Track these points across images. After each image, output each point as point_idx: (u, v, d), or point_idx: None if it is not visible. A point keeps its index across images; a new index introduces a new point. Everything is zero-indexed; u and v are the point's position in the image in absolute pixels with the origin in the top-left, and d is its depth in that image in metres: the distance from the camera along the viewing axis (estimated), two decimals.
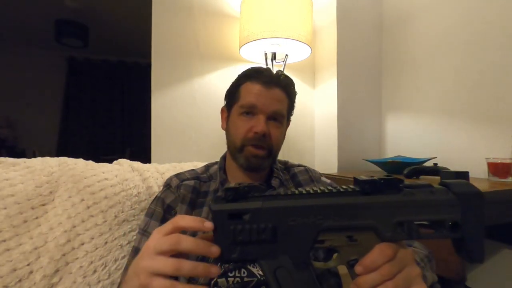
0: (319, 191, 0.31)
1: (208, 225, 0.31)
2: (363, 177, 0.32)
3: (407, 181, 0.34)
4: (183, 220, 0.33)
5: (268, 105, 0.62)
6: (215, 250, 0.30)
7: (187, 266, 0.31)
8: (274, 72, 0.66)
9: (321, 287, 0.31)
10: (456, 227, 0.30)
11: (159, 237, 0.33)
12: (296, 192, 0.32)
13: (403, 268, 0.31)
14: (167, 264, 0.31)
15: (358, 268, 0.30)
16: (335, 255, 0.33)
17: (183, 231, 0.33)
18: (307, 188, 0.32)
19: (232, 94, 0.67)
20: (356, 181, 0.33)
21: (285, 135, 0.69)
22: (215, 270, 0.31)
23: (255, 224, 0.30)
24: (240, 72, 0.69)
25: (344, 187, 0.32)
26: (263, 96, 0.62)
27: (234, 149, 0.64)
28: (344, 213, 0.30)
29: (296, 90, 0.70)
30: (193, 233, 0.40)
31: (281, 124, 0.65)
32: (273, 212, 0.30)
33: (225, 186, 0.31)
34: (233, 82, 0.69)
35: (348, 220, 0.30)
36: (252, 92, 0.62)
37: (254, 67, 0.67)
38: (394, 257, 0.30)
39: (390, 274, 0.30)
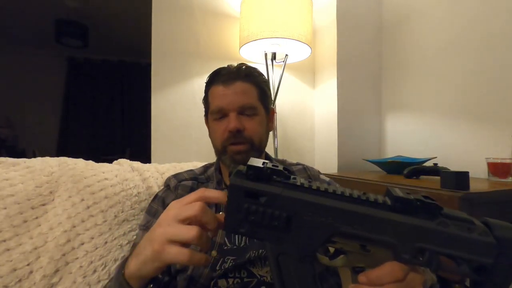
0: (346, 193, 0.30)
1: (221, 195, 0.32)
2: (398, 192, 0.30)
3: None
4: (208, 191, 0.34)
5: (234, 101, 0.62)
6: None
7: (205, 237, 0.32)
8: (235, 65, 0.66)
9: (321, 286, 0.31)
10: (483, 271, 0.27)
11: (181, 206, 0.33)
12: (321, 188, 0.30)
13: None
14: (188, 230, 0.31)
15: (362, 278, 0.29)
16: (342, 256, 0.31)
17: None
18: (332, 186, 0.31)
19: (205, 102, 0.68)
20: (389, 194, 0.30)
21: (268, 123, 0.68)
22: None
23: (270, 209, 0.29)
24: None
25: (373, 196, 0.30)
26: (226, 95, 0.62)
27: (218, 153, 0.65)
28: (366, 224, 0.28)
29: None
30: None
31: (255, 115, 0.64)
32: (291, 202, 0.29)
33: (250, 162, 0.30)
34: (204, 89, 0.69)
35: (368, 231, 0.28)
36: (217, 95, 0.63)
37: (215, 70, 0.67)
38: (403, 280, 0.28)
39: None
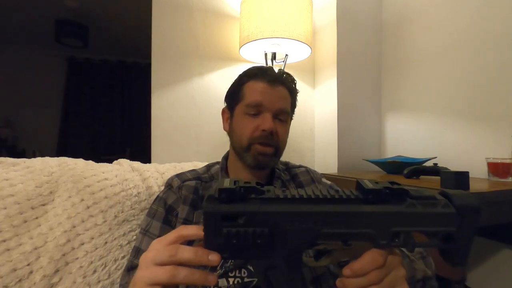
0: (320, 195, 0.30)
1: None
2: (367, 183, 0.31)
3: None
4: (186, 229, 0.33)
5: (274, 103, 0.62)
6: (214, 258, 0.29)
7: (183, 273, 0.30)
8: (276, 71, 0.66)
9: (321, 286, 0.32)
10: (449, 239, 0.31)
11: (159, 248, 0.32)
12: (296, 195, 0.30)
13: (390, 272, 0.32)
14: (162, 272, 0.30)
15: (346, 271, 0.30)
16: (326, 255, 0.33)
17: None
18: (307, 191, 0.31)
19: (235, 94, 0.66)
20: (359, 187, 0.32)
21: (288, 134, 0.69)
22: (212, 278, 0.30)
23: (251, 228, 0.28)
24: (240, 72, 0.69)
25: (346, 192, 0.31)
26: (269, 94, 0.62)
27: (241, 149, 0.63)
28: (344, 221, 0.29)
29: (297, 89, 0.70)
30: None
31: (286, 122, 0.65)
32: (270, 216, 0.29)
33: (219, 185, 0.29)
34: (234, 82, 0.68)
35: (347, 228, 0.30)
36: (258, 90, 0.62)
37: (256, 66, 0.67)
38: (384, 265, 0.31)
39: (377, 280, 0.31)
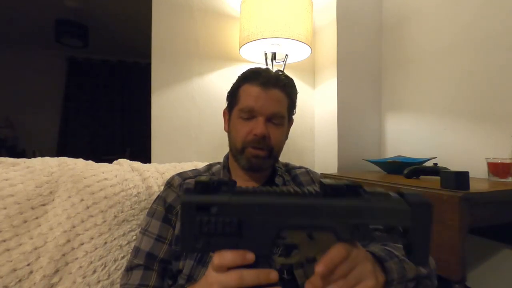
0: (286, 191, 0.33)
1: (250, 257, 0.32)
2: (327, 180, 0.34)
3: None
4: (225, 257, 0.32)
5: (267, 107, 0.62)
6: (273, 275, 0.31)
7: (250, 275, 0.31)
8: (274, 71, 0.66)
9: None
10: (406, 233, 0.33)
11: (218, 275, 0.33)
12: (264, 190, 0.33)
13: (355, 266, 0.33)
14: (230, 278, 0.31)
15: (319, 267, 0.31)
16: (295, 251, 0.34)
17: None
18: (280, 187, 0.34)
19: (232, 96, 0.67)
20: (321, 185, 0.34)
21: (287, 134, 0.70)
22: (274, 275, 0.32)
23: (221, 217, 0.31)
24: (240, 72, 0.69)
25: (310, 189, 0.34)
26: (262, 98, 0.62)
27: (236, 151, 0.64)
28: (306, 213, 0.32)
29: (296, 90, 0.70)
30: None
31: (281, 125, 0.65)
32: (239, 207, 0.31)
33: (197, 179, 0.32)
34: (233, 84, 0.69)
35: (309, 219, 0.32)
36: (251, 95, 0.63)
37: (252, 68, 0.67)
38: (348, 257, 0.33)
39: (343, 274, 0.32)
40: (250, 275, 0.32)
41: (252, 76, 0.64)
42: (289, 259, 0.35)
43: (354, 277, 0.33)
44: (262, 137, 0.61)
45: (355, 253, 0.33)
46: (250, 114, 0.62)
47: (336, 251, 0.32)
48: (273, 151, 0.64)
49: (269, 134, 0.62)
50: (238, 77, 0.68)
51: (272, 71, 0.66)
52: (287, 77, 0.67)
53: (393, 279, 0.40)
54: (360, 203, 0.33)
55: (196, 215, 0.31)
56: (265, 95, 0.62)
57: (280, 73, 0.66)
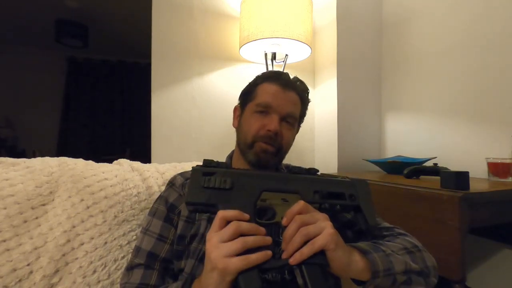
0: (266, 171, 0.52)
1: (246, 216, 0.41)
2: (293, 165, 0.49)
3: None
4: (227, 212, 0.41)
5: (283, 106, 0.63)
6: (263, 230, 0.41)
7: (250, 239, 0.39)
8: (292, 77, 0.69)
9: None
10: (353, 198, 0.48)
11: (217, 231, 0.39)
12: (251, 170, 0.56)
13: (316, 221, 0.41)
14: (235, 242, 0.38)
15: (284, 220, 0.42)
16: (272, 213, 0.45)
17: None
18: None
19: (248, 93, 0.68)
20: (287, 168, 0.60)
21: (294, 139, 0.70)
22: (269, 239, 0.40)
23: (219, 178, 0.43)
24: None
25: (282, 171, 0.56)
26: (280, 97, 0.63)
27: (245, 145, 0.65)
28: (280, 181, 0.47)
29: (309, 100, 0.72)
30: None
31: (292, 127, 0.67)
32: (233, 174, 0.45)
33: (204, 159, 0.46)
34: (250, 82, 0.71)
35: (282, 185, 0.46)
36: (269, 92, 0.64)
37: (272, 70, 0.70)
38: (307, 211, 0.42)
39: (302, 223, 0.40)
40: (246, 225, 0.40)
41: (273, 76, 0.67)
42: (270, 220, 0.44)
43: (313, 228, 0.40)
44: (274, 133, 0.61)
45: (315, 213, 0.43)
46: (266, 110, 0.63)
47: (296, 205, 0.42)
48: (281, 150, 0.65)
49: (281, 132, 0.63)
50: (257, 76, 0.70)
51: (290, 76, 0.68)
52: (304, 84, 0.69)
53: (378, 271, 0.42)
54: (318, 177, 0.49)
55: (202, 177, 0.43)
56: (283, 95, 0.64)
57: (297, 79, 0.69)
